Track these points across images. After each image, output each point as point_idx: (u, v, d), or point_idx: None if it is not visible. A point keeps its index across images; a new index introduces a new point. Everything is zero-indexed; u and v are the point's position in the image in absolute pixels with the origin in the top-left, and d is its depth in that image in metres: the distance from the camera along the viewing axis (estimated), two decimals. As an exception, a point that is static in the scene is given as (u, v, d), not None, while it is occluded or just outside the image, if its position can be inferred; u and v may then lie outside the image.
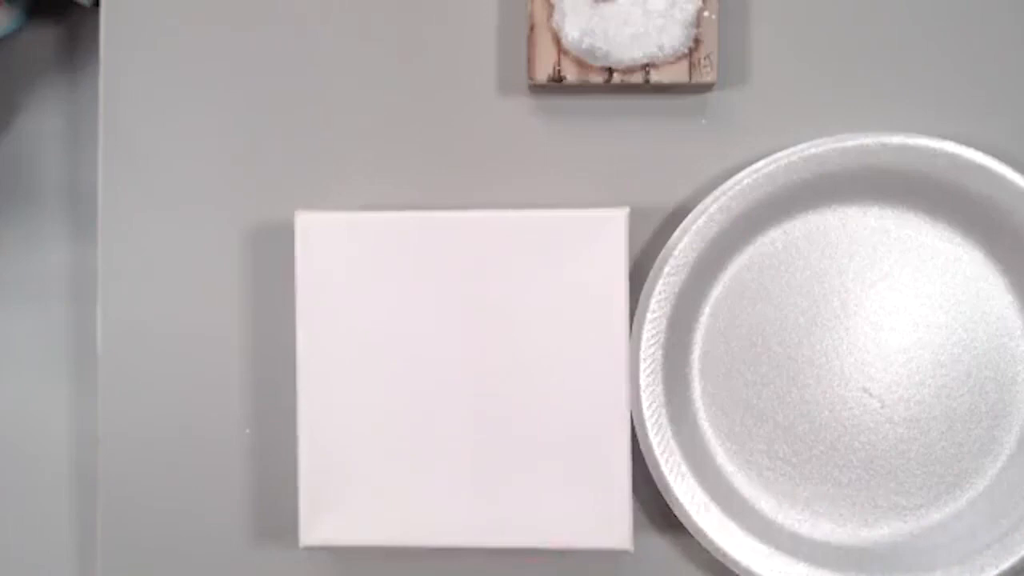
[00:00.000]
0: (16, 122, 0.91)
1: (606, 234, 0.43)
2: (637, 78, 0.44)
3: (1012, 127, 0.46)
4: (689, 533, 0.45)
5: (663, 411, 0.44)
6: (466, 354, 0.44)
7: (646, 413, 0.44)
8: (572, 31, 0.43)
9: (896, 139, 0.43)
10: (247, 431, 0.47)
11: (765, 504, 0.46)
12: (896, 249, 0.46)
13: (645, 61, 0.44)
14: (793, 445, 0.46)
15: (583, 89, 0.46)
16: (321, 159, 0.47)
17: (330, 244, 0.44)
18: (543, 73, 0.45)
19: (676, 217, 0.46)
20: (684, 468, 0.44)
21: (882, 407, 0.46)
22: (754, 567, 0.44)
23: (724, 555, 0.44)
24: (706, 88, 0.46)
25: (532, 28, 0.44)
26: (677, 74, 0.44)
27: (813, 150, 0.44)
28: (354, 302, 0.44)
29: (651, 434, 0.44)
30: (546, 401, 0.43)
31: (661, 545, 0.47)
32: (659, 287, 0.44)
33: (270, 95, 0.47)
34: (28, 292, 0.91)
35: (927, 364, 0.46)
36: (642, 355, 0.44)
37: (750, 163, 0.45)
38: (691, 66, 0.44)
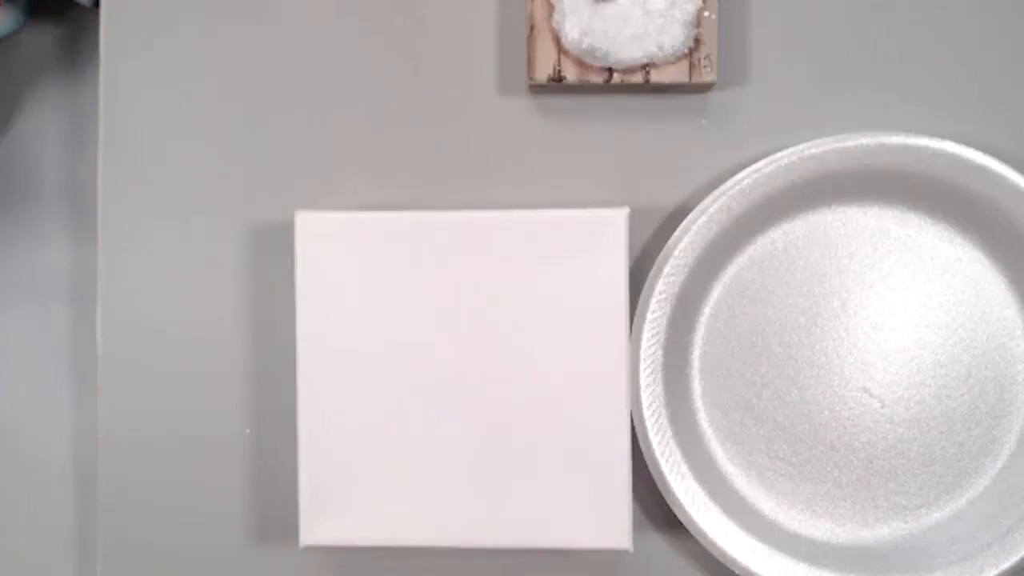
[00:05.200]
0: (16, 122, 0.91)
1: (606, 234, 0.43)
2: (637, 78, 0.44)
3: (1012, 127, 0.46)
4: (689, 533, 0.45)
5: (663, 411, 0.44)
6: (466, 354, 0.44)
7: (646, 413, 0.44)
8: (572, 31, 0.43)
9: (896, 139, 0.43)
10: (247, 431, 0.47)
11: (765, 504, 0.46)
12: (896, 249, 0.46)
13: (645, 61, 0.44)
14: (793, 445, 0.46)
15: (583, 89, 0.46)
16: (321, 159, 0.47)
17: (330, 244, 0.44)
18: (543, 73, 0.45)
19: (676, 217, 0.46)
20: (684, 468, 0.44)
21: (882, 407, 0.46)
22: (754, 567, 0.44)
23: (724, 555, 0.44)
24: (706, 88, 0.46)
25: (532, 28, 0.44)
26: (677, 74, 0.44)
27: (813, 150, 0.44)
28: (354, 302, 0.44)
29: (651, 434, 0.44)
30: (546, 401, 0.43)
31: (661, 545, 0.47)
32: (659, 287, 0.44)
33: (270, 95, 0.47)
34: (28, 292, 0.91)
35: (927, 364, 0.46)
36: (642, 355, 0.44)
37: (750, 163, 0.45)
38: (691, 66, 0.44)
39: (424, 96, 0.47)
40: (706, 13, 0.44)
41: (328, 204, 0.47)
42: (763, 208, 0.44)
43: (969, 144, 0.43)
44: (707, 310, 0.46)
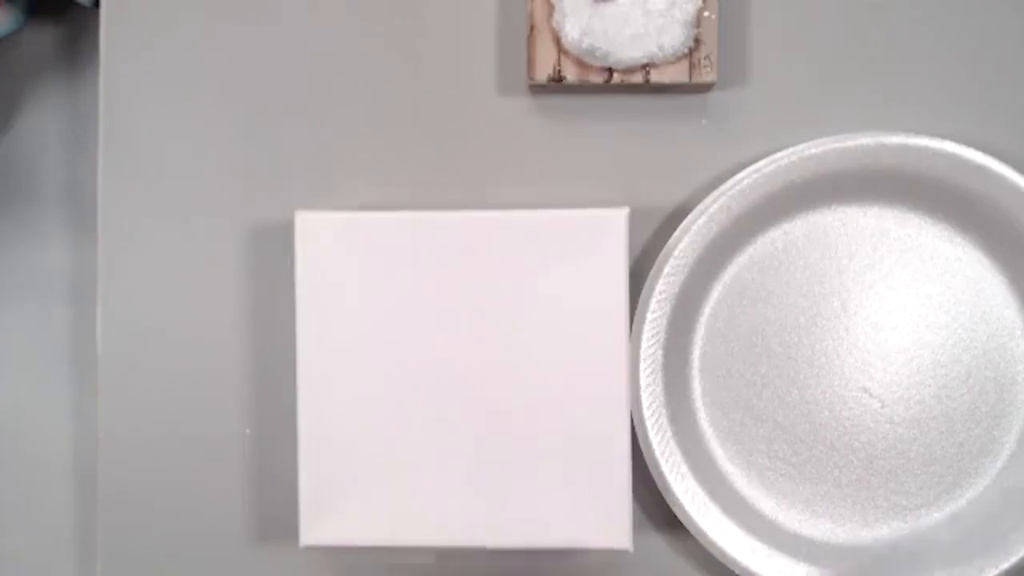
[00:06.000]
0: (16, 122, 0.91)
1: (606, 234, 0.43)
2: (637, 78, 0.44)
3: (1012, 127, 0.46)
4: (689, 533, 0.45)
5: (663, 411, 0.44)
6: (466, 354, 0.44)
7: (646, 413, 0.44)
8: (572, 31, 0.43)
9: (896, 139, 0.43)
10: (247, 431, 0.47)
11: (765, 504, 0.46)
12: (896, 249, 0.46)
13: (645, 61, 0.44)
14: (793, 445, 0.46)
15: (583, 89, 0.46)
16: (321, 159, 0.47)
17: (330, 244, 0.44)
18: (543, 73, 0.45)
19: (676, 217, 0.46)
20: (684, 468, 0.44)
21: (882, 407, 0.46)
22: (754, 567, 0.44)
23: (724, 555, 0.44)
24: (706, 88, 0.46)
25: (532, 28, 0.44)
26: (677, 74, 0.44)
27: (813, 150, 0.44)
28: (354, 302, 0.44)
29: (651, 434, 0.44)
30: (546, 401, 0.43)
31: (661, 545, 0.47)
32: (659, 287, 0.44)
33: (270, 95, 0.47)
34: (28, 292, 0.91)
35: (927, 364, 0.46)
36: (642, 355, 0.44)
37: (750, 163, 0.45)
38: (691, 66, 0.44)
39: (424, 96, 0.47)
40: (706, 13, 0.44)
41: (328, 204, 0.47)
42: (763, 208, 0.44)
43: (969, 144, 0.43)
44: (707, 310, 0.46)
